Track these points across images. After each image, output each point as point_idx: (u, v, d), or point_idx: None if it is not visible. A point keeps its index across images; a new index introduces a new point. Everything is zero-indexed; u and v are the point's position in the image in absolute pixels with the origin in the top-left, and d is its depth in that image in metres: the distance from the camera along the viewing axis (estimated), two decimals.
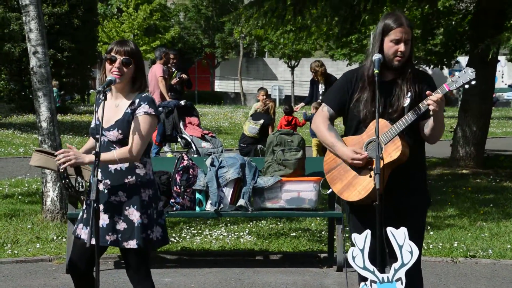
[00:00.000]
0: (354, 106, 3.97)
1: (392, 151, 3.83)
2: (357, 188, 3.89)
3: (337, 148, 3.95)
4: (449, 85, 3.82)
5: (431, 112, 3.79)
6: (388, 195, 3.84)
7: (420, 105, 3.83)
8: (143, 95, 3.98)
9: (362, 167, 3.88)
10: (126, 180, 3.94)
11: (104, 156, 3.87)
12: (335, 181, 4.01)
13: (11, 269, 6.46)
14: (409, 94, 3.91)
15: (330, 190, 4.09)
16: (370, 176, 3.84)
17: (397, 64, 3.91)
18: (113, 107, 3.98)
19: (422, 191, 4.05)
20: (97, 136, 3.86)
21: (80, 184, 4.10)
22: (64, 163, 3.89)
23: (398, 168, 3.87)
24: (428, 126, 3.89)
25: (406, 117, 3.84)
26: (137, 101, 3.96)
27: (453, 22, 15.07)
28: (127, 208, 3.91)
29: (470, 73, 3.79)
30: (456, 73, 3.85)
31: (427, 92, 3.79)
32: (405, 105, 3.89)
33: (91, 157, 3.85)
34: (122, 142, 3.93)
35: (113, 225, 3.91)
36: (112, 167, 3.95)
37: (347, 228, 7.53)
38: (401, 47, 3.88)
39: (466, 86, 3.81)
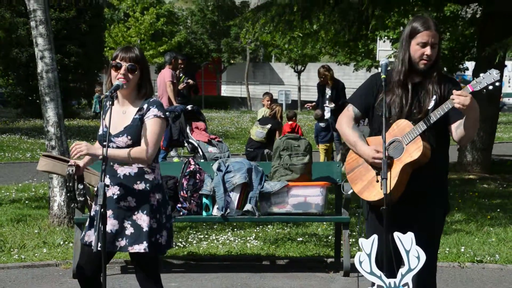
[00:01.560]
0: (379, 106, 3.98)
1: (413, 151, 3.83)
2: (377, 188, 3.88)
3: (358, 147, 3.96)
4: (473, 86, 3.82)
5: (459, 109, 3.74)
6: (408, 198, 3.85)
7: (443, 105, 3.83)
8: (151, 100, 4.00)
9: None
10: (136, 186, 3.95)
11: (117, 152, 3.88)
12: (355, 181, 4.02)
13: (18, 274, 6.48)
14: (434, 97, 3.91)
15: (351, 191, 4.10)
16: (378, 181, 3.84)
17: (423, 67, 3.91)
18: (120, 114, 3.99)
19: (443, 196, 4.04)
20: (105, 143, 3.87)
21: (81, 193, 4.09)
22: (76, 156, 3.91)
23: (420, 171, 3.87)
24: (461, 127, 3.87)
25: (429, 117, 3.85)
26: (145, 106, 3.97)
27: (459, 27, 15.04)
28: (136, 213, 3.92)
29: (495, 74, 3.79)
30: (481, 74, 3.84)
31: (454, 91, 3.78)
32: (429, 107, 3.90)
33: (102, 150, 3.85)
34: (131, 148, 3.94)
35: (122, 230, 3.91)
36: (121, 173, 3.95)
37: (355, 233, 7.56)
38: (428, 50, 3.88)
39: (490, 87, 3.80)
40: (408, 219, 3.88)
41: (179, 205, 6.53)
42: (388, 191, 3.67)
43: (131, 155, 3.89)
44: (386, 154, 3.82)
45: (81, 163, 4.07)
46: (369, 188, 3.95)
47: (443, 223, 4.13)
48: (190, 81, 13.28)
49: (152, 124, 3.93)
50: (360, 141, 3.98)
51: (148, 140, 3.91)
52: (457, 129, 3.90)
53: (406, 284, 3.61)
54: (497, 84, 3.80)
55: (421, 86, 3.95)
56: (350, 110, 4.09)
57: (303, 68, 42.06)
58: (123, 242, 3.90)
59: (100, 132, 4.07)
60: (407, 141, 3.85)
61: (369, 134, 4.09)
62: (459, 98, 3.71)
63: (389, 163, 3.83)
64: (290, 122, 12.88)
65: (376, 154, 3.87)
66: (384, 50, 31.35)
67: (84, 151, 3.89)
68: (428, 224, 3.95)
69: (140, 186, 3.94)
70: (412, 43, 3.91)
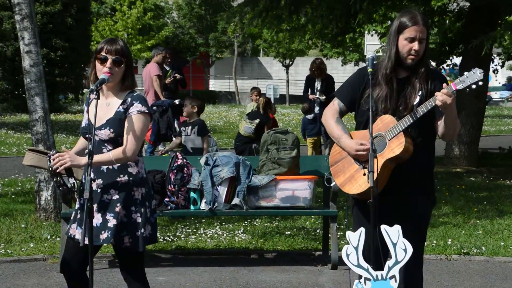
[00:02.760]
0: (365, 101, 3.99)
1: (395, 147, 3.84)
2: (358, 181, 3.90)
3: (342, 141, 3.97)
4: (456, 84, 3.82)
5: (440, 108, 3.77)
6: (393, 192, 3.86)
7: (427, 102, 3.84)
8: (134, 94, 3.97)
9: (365, 161, 3.89)
10: (119, 179, 3.92)
11: (99, 157, 3.84)
12: (338, 174, 4.03)
13: (5, 269, 6.44)
14: (420, 92, 3.91)
15: (334, 183, 4.11)
16: (364, 174, 3.85)
17: (411, 62, 3.91)
18: (104, 106, 3.96)
19: (428, 190, 4.05)
20: (88, 136, 3.84)
21: (72, 184, 4.06)
22: (59, 167, 3.87)
23: (405, 165, 3.88)
24: (442, 123, 3.89)
25: (413, 114, 3.85)
26: (129, 99, 3.94)
27: (447, 22, 15.07)
28: (118, 205, 3.90)
29: (478, 73, 3.79)
30: (465, 73, 3.85)
31: (443, 85, 3.79)
32: (415, 103, 3.90)
33: (86, 159, 3.82)
34: (114, 140, 3.92)
35: (105, 223, 3.89)
36: (104, 166, 3.93)
37: (342, 227, 7.58)
38: (415, 45, 3.88)
39: (474, 86, 3.81)
40: (395, 212, 3.89)
41: (166, 199, 6.52)
42: (371, 184, 3.68)
43: (115, 158, 3.86)
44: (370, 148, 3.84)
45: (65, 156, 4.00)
46: (351, 181, 3.95)
47: (430, 216, 4.15)
48: (178, 75, 13.24)
49: (135, 121, 3.90)
50: (344, 135, 3.98)
51: (131, 138, 3.88)
52: (439, 125, 3.92)
53: (393, 276, 3.63)
54: (480, 83, 3.81)
55: (408, 81, 3.96)
56: (335, 104, 4.09)
57: (291, 62, 42.06)
58: (105, 235, 3.88)
59: (83, 124, 4.04)
60: (390, 137, 3.86)
61: (355, 128, 4.10)
62: (443, 97, 3.72)
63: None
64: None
65: (359, 147, 3.87)
66: (372, 44, 31.36)
67: (68, 163, 3.86)
68: (414, 217, 3.96)
69: (123, 179, 3.92)
70: (400, 38, 3.91)
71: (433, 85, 3.93)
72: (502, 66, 21.84)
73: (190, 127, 8.92)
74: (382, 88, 3.95)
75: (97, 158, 3.82)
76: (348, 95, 4.07)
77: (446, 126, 3.88)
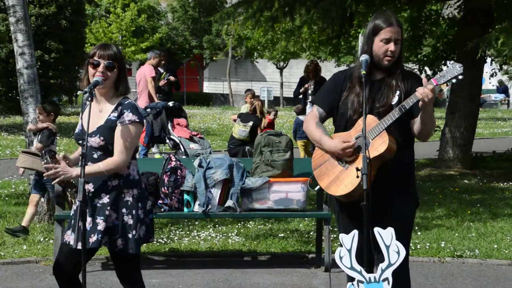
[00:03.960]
0: (343, 104, 4.00)
1: (379, 145, 3.85)
2: (344, 182, 3.90)
3: (324, 143, 3.98)
4: (437, 80, 3.85)
5: (419, 104, 3.80)
6: (376, 193, 3.85)
7: (408, 99, 3.85)
8: (126, 102, 3.95)
9: (349, 162, 3.90)
10: (109, 183, 3.92)
11: (90, 169, 3.84)
12: (322, 177, 4.04)
13: None
14: (398, 92, 3.94)
15: (318, 187, 4.11)
16: (358, 177, 3.85)
17: (387, 64, 3.94)
18: (97, 112, 3.96)
19: (410, 191, 4.06)
20: (81, 142, 3.85)
21: (67, 189, 4.07)
22: (54, 179, 3.88)
23: (386, 167, 3.89)
24: (418, 122, 3.91)
25: (394, 112, 3.87)
26: (120, 108, 3.93)
27: (442, 27, 15.08)
28: (109, 209, 3.89)
29: (458, 68, 3.83)
30: (444, 67, 3.87)
31: (424, 80, 3.81)
32: (393, 102, 3.92)
33: (77, 171, 3.82)
34: (104, 148, 3.91)
35: (95, 226, 3.88)
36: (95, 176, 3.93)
37: (336, 229, 7.58)
38: (391, 46, 3.91)
39: (454, 80, 3.84)
40: (378, 214, 3.89)
41: (160, 201, 6.52)
42: (365, 186, 3.68)
43: (105, 169, 3.86)
44: (355, 142, 3.85)
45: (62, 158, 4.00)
46: (336, 182, 3.96)
47: (414, 216, 4.16)
48: (172, 77, 13.24)
49: (126, 131, 3.89)
50: (325, 137, 3.99)
51: (121, 148, 3.87)
52: (415, 124, 3.94)
53: (386, 279, 3.63)
54: (460, 77, 3.83)
55: (384, 82, 3.98)
56: (314, 111, 4.12)
57: (285, 64, 42.08)
58: (94, 238, 3.86)
59: (77, 130, 4.04)
60: (373, 136, 3.87)
61: (334, 131, 4.11)
62: (424, 92, 3.74)
63: (354, 158, 3.86)
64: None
65: (344, 145, 3.88)
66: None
67: (61, 177, 3.85)
68: (398, 218, 3.96)
69: (113, 182, 3.92)
70: (376, 40, 3.94)
71: (410, 85, 3.96)
72: (500, 69, 21.87)
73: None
74: (357, 91, 3.97)
75: (88, 169, 3.81)
76: (325, 101, 4.09)
77: (422, 124, 3.89)
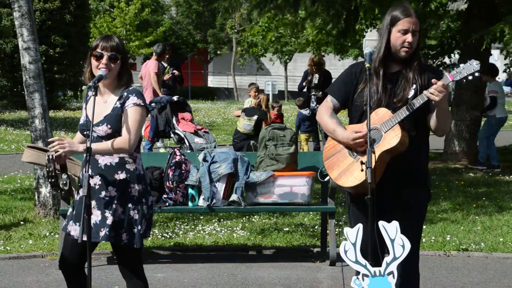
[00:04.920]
0: (358, 97, 3.99)
1: (391, 139, 3.84)
2: (354, 174, 3.89)
3: (337, 133, 3.97)
4: (452, 76, 3.81)
5: (433, 102, 3.78)
6: (388, 186, 3.85)
7: (422, 94, 3.83)
8: (130, 88, 3.99)
9: (360, 154, 3.89)
10: (116, 176, 3.93)
11: (99, 145, 3.86)
12: (332, 168, 4.03)
13: (4, 265, 6.45)
14: (414, 85, 3.91)
15: (328, 178, 4.11)
16: (362, 170, 3.84)
17: (404, 55, 3.91)
18: (101, 103, 3.98)
19: (423, 184, 4.04)
20: (86, 132, 3.85)
21: (64, 182, 4.05)
22: (56, 153, 3.87)
23: (399, 159, 3.87)
24: (433, 117, 3.89)
25: (408, 106, 3.85)
26: (125, 94, 3.96)
27: (447, 21, 15.02)
28: (116, 203, 3.90)
29: (475, 65, 3.79)
30: (461, 64, 3.84)
31: (433, 80, 3.78)
32: (409, 96, 3.89)
33: (84, 146, 3.83)
34: (112, 136, 3.93)
35: (104, 220, 3.90)
36: (102, 163, 3.94)
37: (341, 223, 7.58)
38: (409, 37, 3.88)
39: (470, 77, 3.80)
40: (390, 207, 3.89)
41: (164, 195, 6.52)
42: (369, 180, 3.68)
43: (114, 146, 3.87)
44: (366, 131, 3.83)
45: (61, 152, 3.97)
46: (346, 174, 3.95)
47: (425, 210, 4.15)
48: (176, 71, 13.23)
49: (132, 113, 3.91)
50: (339, 127, 3.99)
51: (129, 129, 3.89)
52: (431, 120, 3.92)
53: (391, 272, 3.63)
54: (476, 74, 3.80)
55: (401, 74, 3.95)
56: (329, 101, 4.10)
57: (289, 58, 41.99)
58: (103, 232, 3.88)
59: (82, 121, 4.05)
60: (386, 129, 3.86)
61: (349, 123, 4.10)
62: (438, 88, 3.71)
63: (365, 151, 3.85)
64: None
65: (356, 135, 3.87)
66: (370, 39, 31.33)
67: (66, 149, 3.85)
68: (409, 212, 3.95)
69: (121, 176, 3.93)
70: (393, 31, 3.91)
71: (427, 78, 3.92)
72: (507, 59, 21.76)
73: None
74: (374, 82, 3.95)
75: (96, 146, 3.84)
76: (340, 92, 4.08)
77: (437, 120, 3.87)
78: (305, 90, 13.17)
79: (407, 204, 3.96)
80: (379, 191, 3.82)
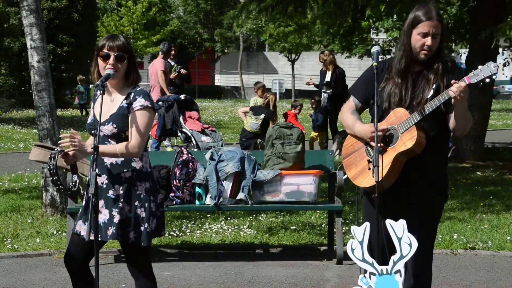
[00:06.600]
0: (378, 96, 3.98)
1: (407, 140, 3.83)
2: (370, 174, 3.89)
3: (356, 127, 3.98)
4: (469, 78, 3.78)
5: (452, 101, 3.76)
6: (404, 186, 3.85)
7: (439, 95, 3.81)
8: (137, 89, 3.97)
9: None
10: (122, 174, 3.93)
11: (106, 148, 3.87)
12: (350, 167, 4.05)
13: (11, 264, 6.47)
14: (434, 86, 3.89)
15: (346, 176, 4.13)
16: (369, 169, 3.84)
17: (424, 57, 3.89)
18: (108, 102, 3.98)
19: (440, 185, 4.03)
20: (94, 131, 3.85)
21: (73, 183, 4.04)
22: (65, 150, 3.87)
23: (417, 159, 3.87)
24: (452, 118, 3.87)
25: (425, 107, 3.84)
26: (132, 95, 3.95)
27: (454, 9, 14.97)
28: (122, 201, 3.91)
29: (492, 67, 3.76)
30: (479, 66, 3.81)
31: (453, 81, 3.75)
32: (428, 96, 3.88)
33: (91, 149, 3.84)
34: (117, 136, 3.93)
35: (112, 219, 3.91)
36: (108, 161, 3.94)
37: (348, 221, 7.57)
38: (428, 40, 3.86)
39: (487, 80, 3.78)
40: (405, 207, 3.89)
41: (172, 194, 6.53)
42: (380, 178, 3.67)
43: (120, 152, 3.87)
44: (386, 126, 3.84)
45: (70, 151, 3.98)
46: (362, 174, 3.96)
47: (441, 212, 4.13)
48: (182, 70, 13.25)
49: (139, 116, 3.90)
50: (358, 121, 4.00)
51: (136, 133, 3.88)
52: (451, 120, 3.90)
53: (398, 271, 3.63)
54: (494, 77, 3.79)
55: (422, 75, 3.93)
56: (351, 101, 4.13)
57: (297, 57, 41.97)
58: (111, 231, 3.89)
59: (89, 120, 4.06)
60: (402, 130, 3.85)
61: (371, 122, 4.09)
62: (459, 90, 3.69)
63: (382, 151, 3.84)
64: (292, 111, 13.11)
65: (374, 129, 3.86)
66: (377, 38, 31.27)
67: (77, 146, 3.84)
68: (424, 212, 3.94)
69: (127, 174, 3.93)
70: (414, 33, 3.89)
71: (448, 80, 3.88)
72: None
73: None
74: (395, 82, 3.93)
75: (103, 148, 3.84)
76: (362, 92, 4.09)
77: (456, 121, 3.86)
78: (317, 89, 13.23)
79: (422, 205, 3.94)
80: (396, 190, 3.82)
